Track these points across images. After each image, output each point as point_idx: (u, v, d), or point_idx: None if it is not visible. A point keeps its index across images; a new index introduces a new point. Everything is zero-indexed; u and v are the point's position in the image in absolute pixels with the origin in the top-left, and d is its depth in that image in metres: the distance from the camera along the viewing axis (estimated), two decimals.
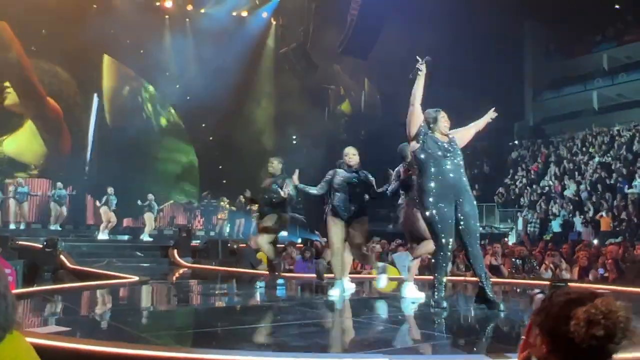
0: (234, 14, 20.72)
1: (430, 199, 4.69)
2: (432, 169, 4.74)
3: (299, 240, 14.75)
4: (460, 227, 4.73)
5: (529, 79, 27.01)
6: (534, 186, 19.50)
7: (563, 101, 25.86)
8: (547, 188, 19.05)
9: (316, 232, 16.06)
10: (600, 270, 8.95)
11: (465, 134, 5.15)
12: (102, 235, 14.58)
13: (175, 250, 12.14)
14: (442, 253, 4.74)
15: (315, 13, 18.84)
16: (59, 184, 15.69)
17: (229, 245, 13.12)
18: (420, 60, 4.91)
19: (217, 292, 7.17)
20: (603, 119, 23.50)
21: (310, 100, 23.03)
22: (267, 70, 22.07)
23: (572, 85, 26.01)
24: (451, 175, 4.75)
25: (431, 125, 4.90)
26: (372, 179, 6.11)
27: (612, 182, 17.22)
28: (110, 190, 14.95)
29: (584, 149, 21.10)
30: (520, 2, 21.14)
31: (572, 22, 23.31)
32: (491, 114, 5.31)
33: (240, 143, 20.82)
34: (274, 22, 21.72)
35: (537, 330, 1.35)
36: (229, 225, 17.65)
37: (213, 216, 17.75)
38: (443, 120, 4.94)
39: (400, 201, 5.89)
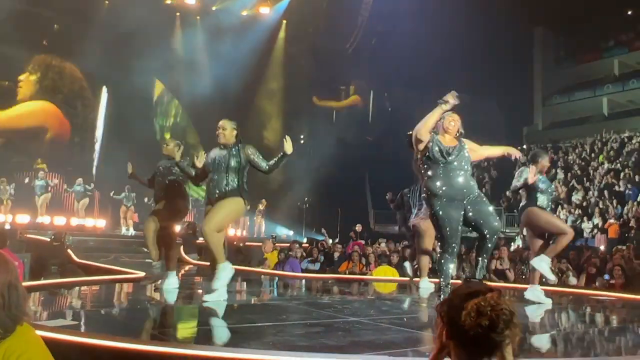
0: (244, 12, 20.76)
1: (438, 202, 4.67)
2: (440, 172, 4.71)
3: (305, 240, 14.76)
4: (479, 224, 4.71)
5: (538, 84, 26.92)
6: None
7: (573, 106, 25.74)
8: (554, 193, 18.96)
9: (322, 232, 16.04)
10: (606, 277, 8.93)
11: (476, 151, 5.05)
12: (127, 232, 15.00)
13: (181, 247, 12.17)
14: (447, 256, 4.74)
15: (326, 13, 18.86)
16: (79, 180, 15.76)
17: (234, 243, 13.16)
18: (454, 95, 4.66)
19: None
20: (613, 125, 23.36)
21: (319, 100, 23.08)
22: (276, 69, 22.11)
23: (582, 90, 25.88)
24: (459, 179, 4.72)
25: (439, 124, 4.83)
26: (250, 153, 5.26)
27: (620, 188, 17.12)
28: (127, 187, 15.09)
29: (592, 154, 20.98)
30: (531, 8, 21.06)
31: (583, 28, 23.22)
32: (513, 152, 5.11)
33: (247, 141, 20.88)
34: (285, 21, 21.75)
35: (440, 319, 1.53)
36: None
37: None
38: (449, 118, 4.86)
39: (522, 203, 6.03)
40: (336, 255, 11.20)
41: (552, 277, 5.76)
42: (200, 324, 4.55)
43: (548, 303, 5.66)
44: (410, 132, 4.89)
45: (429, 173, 4.76)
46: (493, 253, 10.16)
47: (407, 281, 7.63)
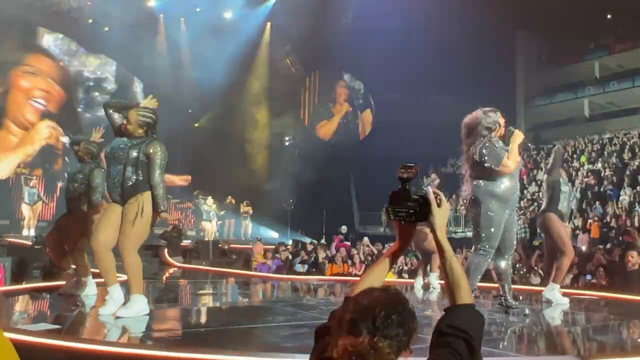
0: (228, 15, 20.69)
1: (492, 200, 4.64)
2: (496, 175, 4.66)
3: (290, 242, 14.74)
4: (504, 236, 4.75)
5: (521, 86, 27.21)
6: (524, 192, 19.61)
7: (554, 108, 26.07)
8: (536, 194, 19.17)
9: (321, 241, 15.84)
10: (588, 277, 9.04)
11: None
12: None
13: (166, 250, 12.10)
14: (482, 257, 4.69)
15: (311, 17, 18.88)
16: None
17: (219, 245, 13.11)
18: None
19: (208, 292, 7.17)
20: (594, 127, 23.71)
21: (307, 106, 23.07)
22: (261, 71, 22.07)
23: (563, 92, 26.23)
24: (511, 183, 4.73)
25: (493, 128, 4.74)
26: (152, 152, 4.35)
27: (602, 189, 17.35)
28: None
29: (574, 156, 21.25)
30: (513, 11, 21.30)
31: (564, 31, 23.52)
32: (519, 139, 4.90)
33: (233, 145, 20.83)
34: (269, 24, 21.73)
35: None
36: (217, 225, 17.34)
37: (202, 220, 17.40)
38: (502, 122, 4.81)
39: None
40: (321, 256, 11.21)
41: (565, 302, 5.78)
42: (185, 327, 4.53)
43: (564, 303, 5.71)
44: (475, 155, 4.71)
45: (485, 175, 4.70)
46: None
47: (394, 283, 7.66)
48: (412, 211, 1.67)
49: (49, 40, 18.49)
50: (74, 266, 5.73)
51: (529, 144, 23.33)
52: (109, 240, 4.39)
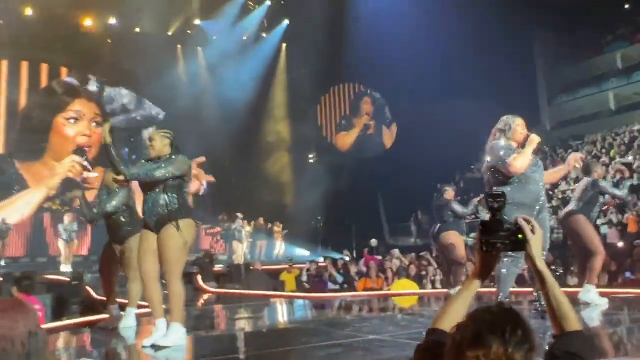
0: (243, 40, 21.03)
1: (518, 211, 4.47)
2: (515, 180, 4.63)
3: (321, 259, 14.70)
4: None
5: (542, 84, 26.87)
6: (555, 191, 19.28)
7: (579, 104, 25.65)
8: (567, 192, 18.82)
9: (345, 253, 15.73)
10: (627, 274, 8.83)
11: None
12: None
13: (199, 276, 12.19)
14: (515, 264, 4.64)
15: (324, 34, 19.06)
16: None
17: (251, 268, 13.16)
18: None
19: (242, 316, 7.22)
20: (621, 119, 23.25)
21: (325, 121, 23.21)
22: (280, 92, 22.31)
23: (586, 87, 25.80)
24: (532, 187, 4.69)
25: (507, 134, 4.70)
26: (166, 169, 4.29)
27: (634, 182, 16.95)
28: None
29: (603, 150, 20.85)
30: (529, 7, 21.12)
31: (581, 24, 23.22)
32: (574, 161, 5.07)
33: (256, 166, 21.01)
34: (284, 45, 21.99)
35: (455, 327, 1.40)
36: (247, 247, 17.31)
37: (233, 240, 17.42)
38: (519, 128, 4.75)
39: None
40: (353, 272, 11.17)
41: (603, 302, 5.65)
42: (222, 353, 4.57)
43: (603, 303, 5.58)
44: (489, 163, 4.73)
45: (502, 180, 4.66)
46: None
47: (426, 294, 7.63)
48: (507, 241, 1.63)
49: (93, 84, 18.85)
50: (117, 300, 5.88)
51: (557, 147, 22.99)
52: (154, 269, 4.41)
